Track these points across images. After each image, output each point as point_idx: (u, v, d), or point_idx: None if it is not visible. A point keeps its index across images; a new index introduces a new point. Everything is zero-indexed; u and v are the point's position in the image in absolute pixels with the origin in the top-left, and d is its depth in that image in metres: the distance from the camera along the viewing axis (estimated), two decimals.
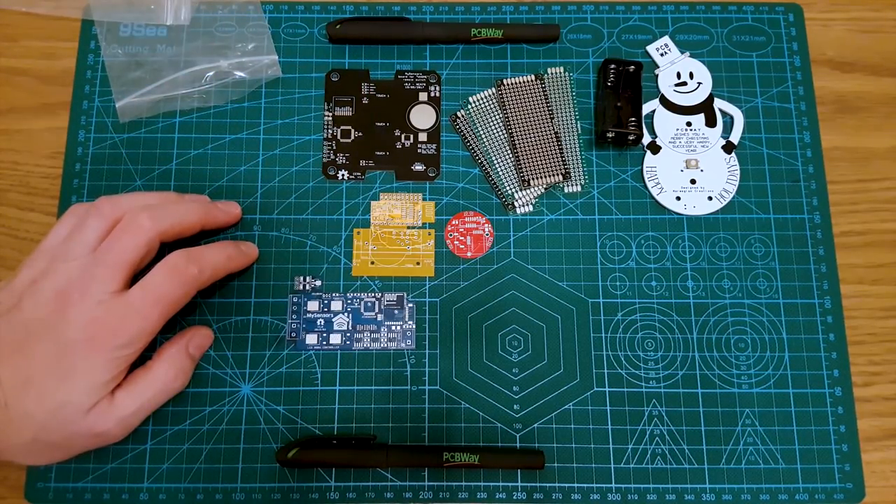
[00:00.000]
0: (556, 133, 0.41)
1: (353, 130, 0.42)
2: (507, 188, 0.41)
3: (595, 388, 0.38)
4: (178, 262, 0.34)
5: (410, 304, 0.39)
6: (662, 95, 0.42)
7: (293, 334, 0.39)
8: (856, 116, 0.43)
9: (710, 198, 0.41)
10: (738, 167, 0.41)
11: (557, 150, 0.41)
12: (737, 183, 0.41)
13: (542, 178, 0.41)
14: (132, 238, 0.33)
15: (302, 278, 0.39)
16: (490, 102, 0.42)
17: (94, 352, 0.32)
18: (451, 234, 0.40)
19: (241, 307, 0.39)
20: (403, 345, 0.39)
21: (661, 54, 0.43)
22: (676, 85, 0.42)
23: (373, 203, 0.41)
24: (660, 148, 0.42)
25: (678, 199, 0.41)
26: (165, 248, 0.35)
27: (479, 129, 0.42)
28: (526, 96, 0.42)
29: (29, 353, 0.31)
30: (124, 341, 0.32)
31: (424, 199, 0.41)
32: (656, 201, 0.41)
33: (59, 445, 0.33)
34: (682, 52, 0.43)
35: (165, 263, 0.33)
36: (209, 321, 0.38)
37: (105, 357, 0.32)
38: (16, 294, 0.32)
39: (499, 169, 0.41)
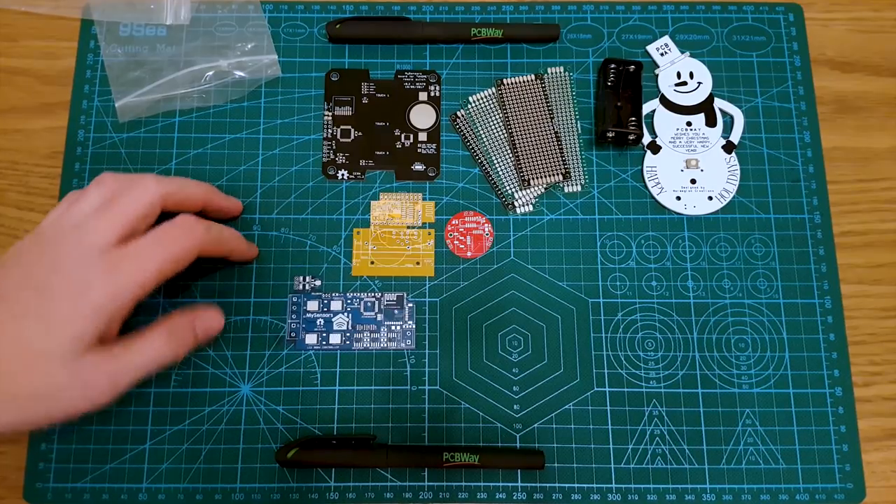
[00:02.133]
0: (556, 133, 0.41)
1: (352, 130, 0.42)
2: (507, 188, 0.41)
3: (595, 388, 0.38)
4: (186, 217, 0.33)
5: (410, 304, 0.39)
6: (662, 95, 0.42)
7: (293, 334, 0.38)
8: (856, 116, 0.43)
9: (710, 198, 0.41)
10: (738, 167, 0.41)
11: (557, 150, 0.41)
12: (737, 183, 0.41)
13: (542, 177, 0.41)
14: (137, 196, 0.33)
15: (302, 278, 0.39)
16: (490, 102, 0.42)
17: (83, 299, 0.30)
18: (451, 234, 0.40)
19: (241, 307, 0.39)
20: (403, 345, 0.38)
21: (662, 54, 0.43)
22: (676, 85, 0.42)
23: (373, 203, 0.41)
24: (660, 148, 0.41)
25: (678, 198, 0.41)
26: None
27: (479, 128, 0.42)
28: (526, 96, 0.42)
29: (13, 300, 0.30)
30: (115, 290, 0.31)
31: (424, 199, 0.41)
32: (656, 201, 0.41)
33: (45, 397, 0.31)
34: (682, 52, 0.43)
35: (173, 220, 0.33)
36: None
37: (92, 307, 0.30)
38: (13, 252, 0.32)
39: (499, 169, 0.41)
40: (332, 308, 0.39)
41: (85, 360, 0.31)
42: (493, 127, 0.42)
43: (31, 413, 0.31)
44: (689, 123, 0.42)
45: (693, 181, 0.41)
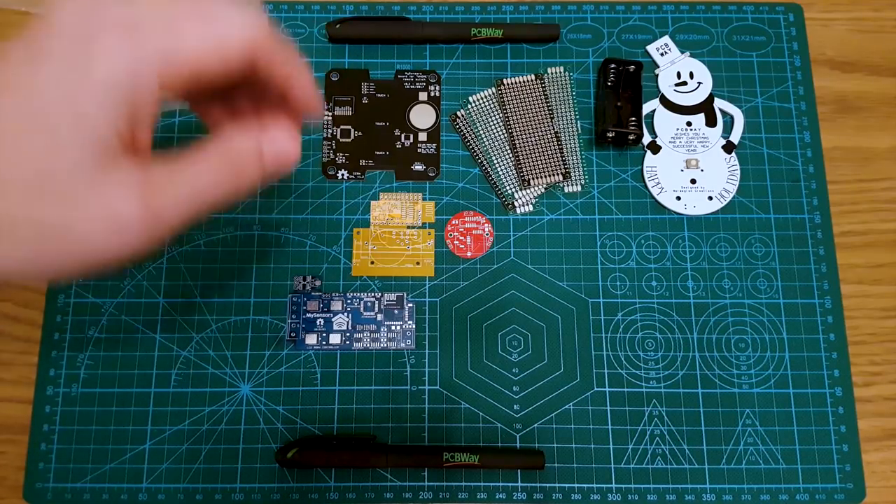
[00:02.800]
0: (556, 133, 0.41)
1: (352, 130, 0.42)
2: (507, 188, 0.41)
3: (595, 388, 0.38)
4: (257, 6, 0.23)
5: (410, 304, 0.39)
6: (662, 95, 0.42)
7: (293, 334, 0.38)
8: (856, 116, 0.43)
9: (710, 198, 0.41)
10: (738, 167, 0.41)
11: (557, 150, 0.41)
12: (737, 183, 0.41)
13: (542, 177, 0.41)
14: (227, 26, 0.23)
15: (302, 278, 0.39)
16: (490, 102, 0.42)
17: (86, 74, 0.21)
18: (451, 234, 0.40)
19: (241, 307, 0.39)
20: (403, 345, 0.38)
21: (662, 54, 0.43)
22: (676, 85, 0.42)
23: (373, 203, 0.41)
24: (660, 148, 0.41)
25: (678, 198, 0.41)
26: None
27: (479, 128, 0.42)
28: (526, 96, 0.42)
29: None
30: (136, 59, 0.21)
31: (424, 199, 0.41)
32: (656, 201, 0.41)
33: (56, 227, 0.21)
34: (683, 52, 0.43)
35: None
36: (209, 321, 0.38)
37: (103, 83, 0.21)
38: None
39: (499, 169, 0.41)
40: (332, 308, 0.39)
41: (113, 176, 0.22)
42: (493, 127, 0.42)
43: (42, 251, 0.22)
44: (689, 123, 0.42)
45: (693, 181, 0.41)
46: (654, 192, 0.41)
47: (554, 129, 0.42)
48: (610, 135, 0.40)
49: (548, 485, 0.37)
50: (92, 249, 0.22)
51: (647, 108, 0.42)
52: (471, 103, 0.42)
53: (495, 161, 0.41)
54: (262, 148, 0.25)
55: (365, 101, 0.42)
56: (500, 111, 0.42)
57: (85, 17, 0.21)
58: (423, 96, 0.42)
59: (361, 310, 0.39)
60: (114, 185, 0.22)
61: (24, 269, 0.22)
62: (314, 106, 0.26)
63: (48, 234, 0.21)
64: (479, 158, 0.41)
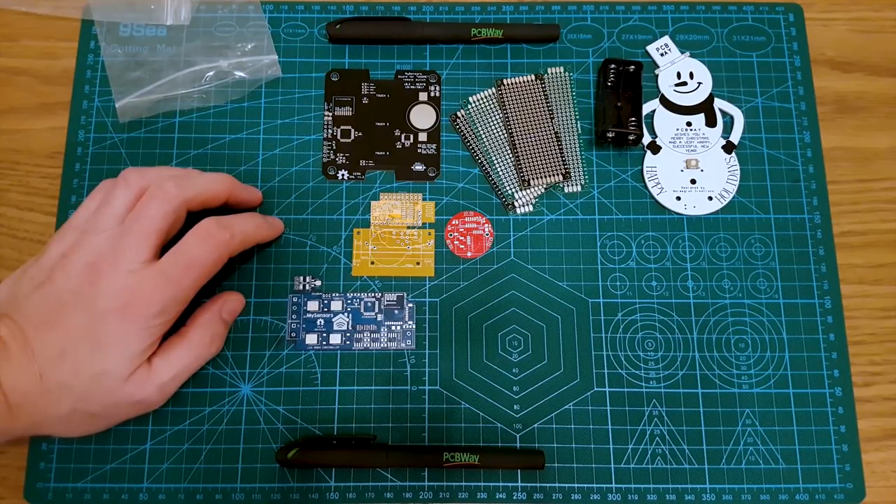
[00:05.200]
0: (556, 133, 0.41)
1: (353, 130, 0.42)
2: (507, 188, 0.41)
3: (595, 388, 0.38)
4: (209, 227, 0.34)
5: (410, 304, 0.39)
6: (662, 95, 0.42)
7: (293, 334, 0.38)
8: (856, 116, 0.43)
9: (710, 198, 0.41)
10: (738, 167, 0.41)
11: (557, 150, 0.41)
12: (737, 183, 0.41)
13: (542, 178, 0.41)
14: (159, 206, 0.33)
15: (302, 278, 0.39)
16: (490, 102, 0.42)
17: (128, 321, 0.32)
18: (451, 234, 0.40)
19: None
20: (403, 345, 0.38)
21: (662, 54, 0.43)
22: (676, 85, 0.42)
23: (373, 203, 0.41)
24: (660, 148, 0.41)
25: (678, 199, 0.41)
26: (193, 218, 0.35)
27: (479, 128, 0.42)
28: (526, 96, 0.42)
29: (62, 325, 0.31)
30: (157, 310, 0.32)
31: (424, 199, 0.41)
32: (656, 201, 0.41)
33: (99, 415, 0.33)
34: (682, 52, 0.43)
35: (197, 230, 0.33)
36: None
37: (139, 326, 0.32)
38: (46, 268, 0.33)
39: (499, 169, 0.41)
40: (332, 308, 0.39)
41: (134, 378, 0.33)
42: (493, 127, 0.42)
43: (83, 428, 0.34)
44: (689, 123, 0.42)
45: (693, 181, 0.41)
46: (654, 192, 0.41)
47: (554, 129, 0.42)
48: (610, 135, 0.40)
49: (548, 485, 0.37)
50: (120, 418, 0.35)
51: (647, 108, 0.42)
52: (471, 103, 0.42)
53: (495, 161, 0.41)
54: (220, 312, 0.36)
55: (365, 101, 0.42)
56: (500, 111, 0.42)
57: (119, 282, 0.32)
58: (423, 96, 0.42)
59: (361, 310, 0.39)
60: (139, 381, 0.33)
61: (66, 435, 0.36)
62: (258, 201, 0.40)
63: (92, 420, 0.34)
64: (479, 158, 0.41)
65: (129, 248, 0.32)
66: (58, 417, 0.32)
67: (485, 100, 0.42)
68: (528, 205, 0.41)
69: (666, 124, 0.42)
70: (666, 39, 0.43)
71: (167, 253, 0.33)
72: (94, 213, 0.34)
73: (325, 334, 0.38)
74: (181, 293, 0.33)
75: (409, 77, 0.43)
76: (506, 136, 0.42)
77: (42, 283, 0.32)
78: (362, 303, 0.39)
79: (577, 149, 0.41)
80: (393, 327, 0.39)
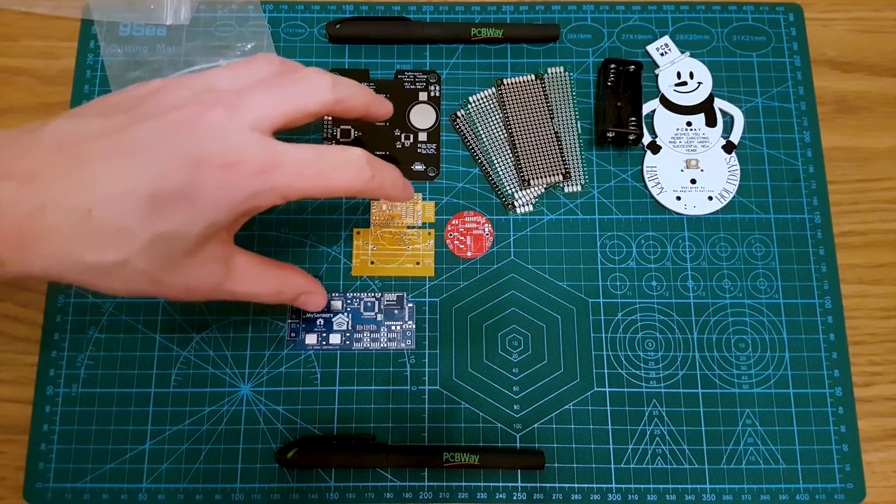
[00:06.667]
0: (556, 133, 0.41)
1: (352, 130, 0.42)
2: (507, 188, 0.41)
3: (595, 388, 0.38)
4: (360, 160, 0.28)
5: (410, 304, 0.39)
6: (662, 95, 0.42)
7: (293, 334, 0.38)
8: (856, 116, 0.43)
9: (710, 198, 0.41)
10: (738, 167, 0.41)
11: (557, 150, 0.41)
12: (737, 183, 0.41)
13: (542, 177, 0.41)
14: (310, 91, 0.28)
15: None
16: (490, 102, 0.42)
17: (227, 185, 0.26)
18: (451, 234, 0.40)
19: (241, 307, 0.39)
20: (403, 345, 0.38)
21: (662, 54, 0.43)
22: (676, 85, 0.42)
23: (373, 203, 0.41)
24: (660, 148, 0.41)
25: (678, 198, 0.41)
26: None
27: (479, 128, 0.42)
28: (526, 96, 0.42)
29: (146, 161, 0.25)
30: (264, 187, 0.26)
31: (424, 199, 0.41)
32: (656, 201, 0.41)
33: (152, 278, 0.27)
34: (682, 52, 0.43)
35: (345, 152, 0.28)
36: (209, 321, 0.38)
37: (234, 195, 0.26)
38: (139, 95, 0.27)
39: (499, 169, 0.41)
40: (332, 308, 0.39)
41: (210, 251, 0.28)
42: (493, 127, 0.42)
43: (125, 285, 0.27)
44: (689, 123, 0.42)
45: (693, 181, 0.41)
46: (654, 192, 0.41)
47: (554, 129, 0.42)
48: (610, 135, 0.40)
49: (548, 485, 0.37)
50: (170, 290, 0.28)
51: (647, 108, 0.42)
52: (471, 103, 0.42)
53: (495, 161, 0.41)
54: (300, 294, 0.33)
55: None
56: (500, 111, 0.42)
57: (228, 140, 0.26)
58: (423, 96, 0.42)
59: (361, 310, 0.39)
60: (212, 258, 0.28)
61: (121, 292, 0.27)
62: (389, 114, 0.34)
63: (154, 284, 0.27)
64: (479, 158, 0.41)
65: (257, 107, 0.27)
66: (107, 266, 0.26)
67: (485, 100, 0.42)
68: (528, 205, 0.41)
69: (666, 124, 0.42)
70: (666, 39, 0.43)
71: (306, 146, 0.27)
72: (225, 71, 0.28)
73: (324, 334, 0.38)
74: (292, 193, 0.27)
75: (408, 77, 0.43)
76: (506, 135, 0.42)
77: (133, 107, 0.26)
78: (362, 303, 0.39)
79: (577, 149, 0.41)
80: (393, 327, 0.39)
